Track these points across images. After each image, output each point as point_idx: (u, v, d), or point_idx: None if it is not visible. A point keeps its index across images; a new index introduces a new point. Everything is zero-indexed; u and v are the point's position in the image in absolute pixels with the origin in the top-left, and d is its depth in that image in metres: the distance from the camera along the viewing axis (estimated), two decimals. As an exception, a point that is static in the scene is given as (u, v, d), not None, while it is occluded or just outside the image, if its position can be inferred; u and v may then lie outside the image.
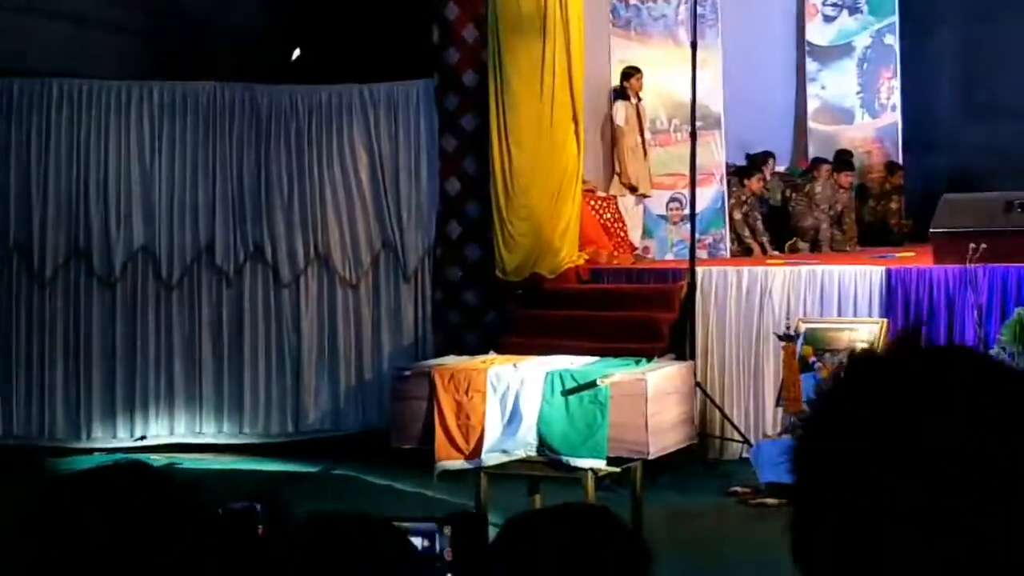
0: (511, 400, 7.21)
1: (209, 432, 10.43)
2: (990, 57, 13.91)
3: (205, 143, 10.50)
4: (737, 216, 11.82)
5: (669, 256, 11.16)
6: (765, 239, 11.87)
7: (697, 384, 8.36)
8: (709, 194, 11.62)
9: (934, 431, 1.07)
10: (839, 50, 13.54)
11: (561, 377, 7.20)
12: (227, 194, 10.54)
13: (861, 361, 1.16)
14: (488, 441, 7.16)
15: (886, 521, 1.07)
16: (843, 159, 12.68)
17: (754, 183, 12.02)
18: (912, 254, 10.15)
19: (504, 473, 7.24)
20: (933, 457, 1.06)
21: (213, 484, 8.08)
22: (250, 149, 10.56)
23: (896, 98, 13.35)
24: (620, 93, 11.40)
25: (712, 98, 11.59)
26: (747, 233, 11.84)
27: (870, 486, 1.07)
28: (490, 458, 7.14)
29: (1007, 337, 8.20)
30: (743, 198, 11.92)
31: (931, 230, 9.38)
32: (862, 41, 13.48)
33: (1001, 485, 1.05)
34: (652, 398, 6.90)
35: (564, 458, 6.99)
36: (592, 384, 6.95)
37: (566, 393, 7.03)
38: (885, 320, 8.68)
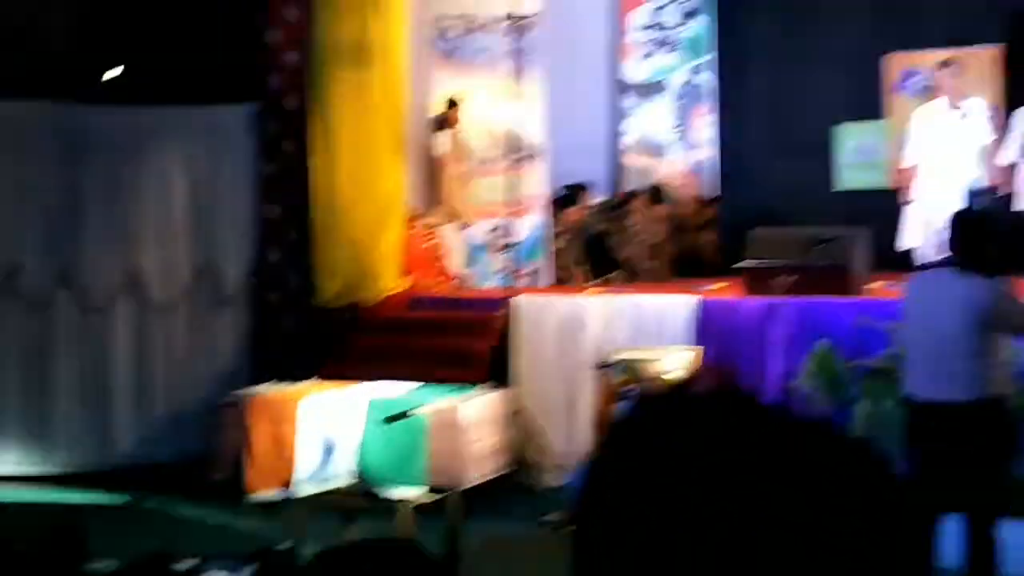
0: (327, 429, 7.12)
1: (11, 461, 10.01)
2: (797, 97, 14.31)
3: (11, 165, 10.13)
4: (558, 246, 11.91)
5: (490, 284, 11.15)
6: (584, 269, 11.97)
7: (515, 412, 8.39)
8: (531, 224, 11.68)
9: (693, 477, 1.15)
10: (655, 87, 13.79)
11: (381, 405, 7.14)
12: (34, 218, 10.17)
13: (643, 405, 1.27)
14: (302, 471, 7.05)
15: (647, 553, 1.17)
16: (658, 192, 12.90)
17: (573, 213, 12.14)
18: (725, 285, 10.32)
19: (320, 504, 7.11)
20: (690, 500, 1.14)
21: (11, 516, 7.80)
22: (60, 171, 10.20)
23: (710, 134, 13.64)
24: (442, 123, 11.40)
25: (535, 130, 11.67)
26: (567, 263, 11.94)
27: (633, 521, 1.17)
28: (304, 488, 7.02)
29: (810, 370, 8.39)
30: (563, 228, 12.02)
31: (741, 263, 9.57)
32: (678, 78, 13.76)
33: (751, 531, 1.14)
34: (468, 427, 6.89)
35: (380, 488, 6.92)
36: (410, 413, 6.90)
37: (385, 422, 6.97)
38: (698, 349, 8.79)
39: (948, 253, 5.93)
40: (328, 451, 7.01)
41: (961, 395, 5.49)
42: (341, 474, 7.09)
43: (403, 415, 6.87)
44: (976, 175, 10.27)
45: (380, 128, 9.88)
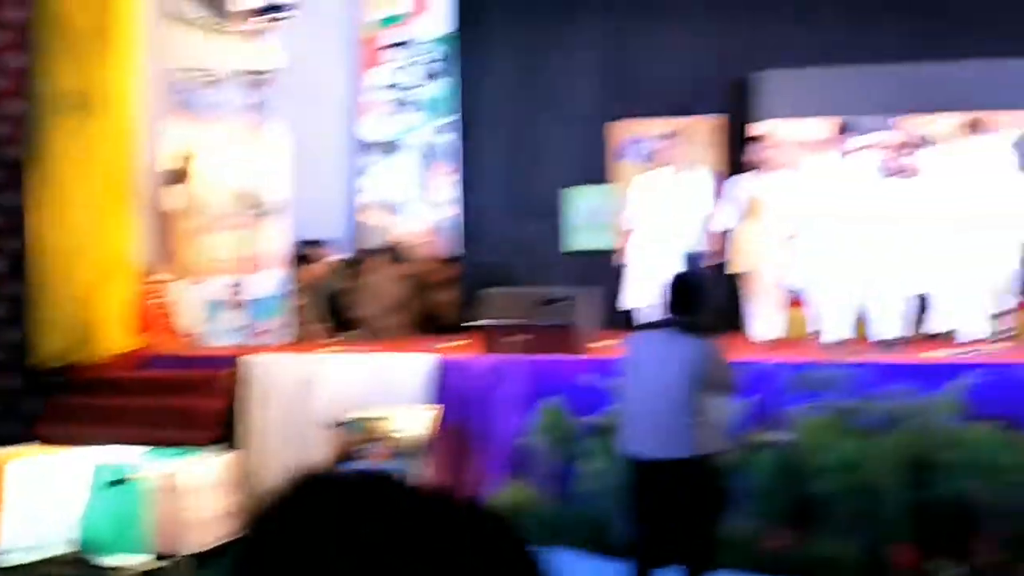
0: (40, 494, 6.85)
1: None
2: (533, 160, 14.64)
3: None
4: (299, 303, 11.87)
5: (227, 342, 10.96)
6: (326, 327, 11.95)
7: (245, 474, 8.25)
8: (269, 280, 11.58)
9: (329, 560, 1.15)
10: (395, 145, 13.89)
11: (105, 470, 6.93)
12: None
13: (296, 486, 1.28)
14: (7, 539, 6.75)
15: None
16: (396, 251, 12.98)
17: (313, 270, 12.11)
18: (463, 344, 10.42)
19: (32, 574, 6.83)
20: None
21: None
22: None
23: (451, 194, 13.79)
24: (176, 176, 11.19)
25: (274, 185, 11.61)
26: (309, 320, 11.90)
27: None
28: (10, 558, 6.73)
29: (540, 427, 8.53)
30: (304, 285, 11.97)
31: (475, 322, 9.70)
32: (419, 138, 13.88)
33: None
34: (191, 491, 6.74)
35: (102, 556, 6.71)
36: (128, 478, 6.71)
37: (105, 486, 6.76)
38: (435, 408, 8.86)
39: (667, 314, 6.11)
40: (42, 516, 6.74)
41: (677, 452, 5.66)
42: (61, 541, 6.83)
43: (125, 479, 6.66)
44: (695, 240, 10.71)
45: (106, 181, 9.58)
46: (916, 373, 8.27)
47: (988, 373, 8.10)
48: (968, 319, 10.06)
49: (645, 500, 5.77)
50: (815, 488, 7.60)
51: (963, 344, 9.81)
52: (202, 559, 7.34)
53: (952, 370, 8.25)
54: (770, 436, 7.94)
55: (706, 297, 6.19)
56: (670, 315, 5.97)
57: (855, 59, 13.33)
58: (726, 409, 7.44)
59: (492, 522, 1.25)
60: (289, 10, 9.83)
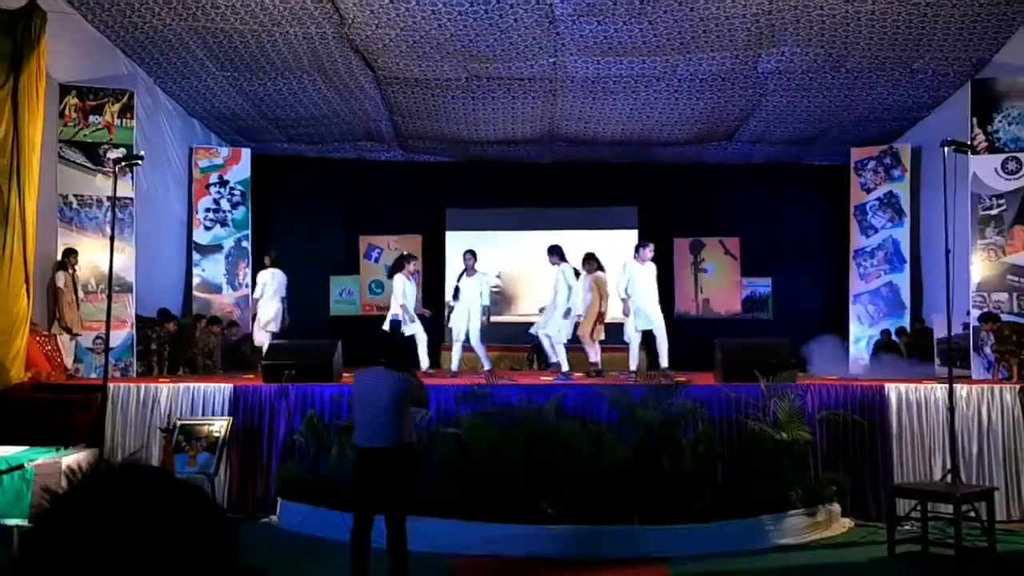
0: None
1: None
2: (306, 256, 14.65)
3: None
4: (149, 349, 11.52)
5: (93, 376, 10.48)
6: (165, 365, 11.62)
7: (107, 463, 7.92)
8: (123, 335, 11.16)
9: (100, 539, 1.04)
10: (215, 247, 13.63)
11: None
12: None
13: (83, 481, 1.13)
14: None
15: None
16: (214, 317, 12.73)
17: (169, 327, 11.81)
18: (254, 376, 10.32)
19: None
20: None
21: None
22: None
23: (248, 282, 13.61)
24: (62, 265, 10.69)
25: (128, 272, 11.23)
26: (153, 360, 11.56)
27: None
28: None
29: (304, 427, 8.52)
30: (154, 337, 11.64)
31: (263, 362, 9.62)
32: (228, 243, 13.66)
33: None
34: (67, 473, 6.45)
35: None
36: (20, 466, 6.37)
37: (2, 472, 6.38)
38: (231, 418, 8.72)
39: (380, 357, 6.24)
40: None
41: (388, 443, 5.80)
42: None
43: (17, 467, 6.32)
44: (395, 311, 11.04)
45: (14, 267, 9.10)
46: (533, 390, 8.71)
47: (573, 390, 8.60)
48: (561, 359, 10.77)
49: (368, 474, 5.83)
50: (475, 462, 7.76)
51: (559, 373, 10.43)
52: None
53: (553, 389, 8.73)
54: (449, 430, 8.13)
55: (397, 345, 6.34)
56: (383, 358, 6.09)
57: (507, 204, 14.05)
58: (421, 414, 7.68)
59: (195, 494, 1.15)
60: (141, 160, 9.58)
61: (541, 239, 16.10)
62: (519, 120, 13.66)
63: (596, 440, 7.65)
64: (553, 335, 10.86)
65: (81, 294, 10.88)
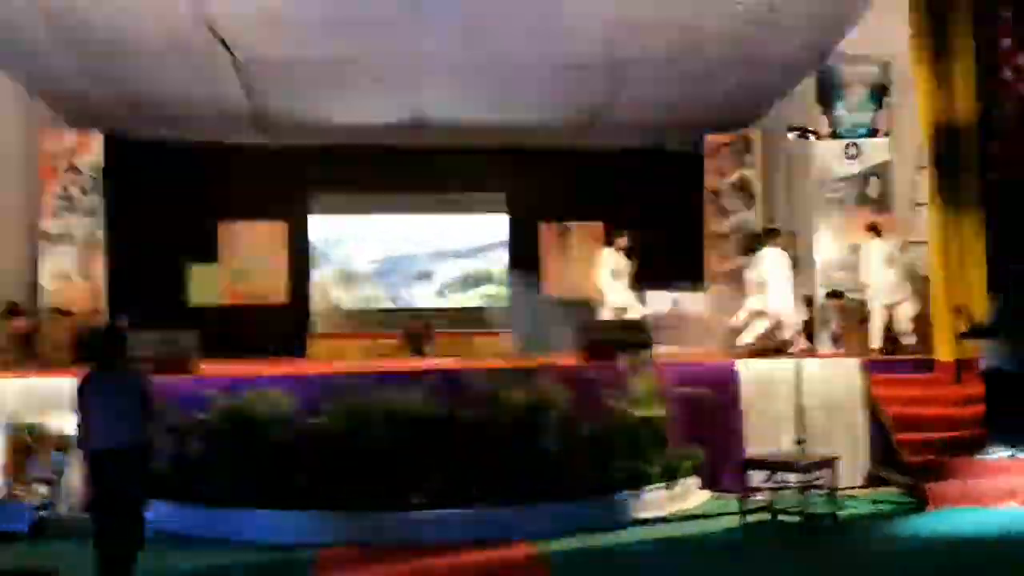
0: None
1: None
2: (163, 245, 14.10)
3: None
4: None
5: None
6: (14, 359, 10.97)
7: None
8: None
9: None
10: (65, 236, 12.87)
11: None
12: None
13: None
14: None
15: None
16: (63, 309, 12.09)
17: (17, 322, 11.19)
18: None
19: None
20: None
21: None
22: None
23: (102, 271, 12.96)
24: None
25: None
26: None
27: None
28: None
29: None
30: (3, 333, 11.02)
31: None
32: (80, 232, 12.91)
33: None
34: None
35: None
36: None
37: None
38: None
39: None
40: None
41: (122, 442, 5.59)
42: None
43: None
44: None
45: None
46: (403, 378, 8.59)
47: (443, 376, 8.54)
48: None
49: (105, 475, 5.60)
50: (338, 451, 7.59)
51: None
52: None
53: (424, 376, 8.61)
54: (312, 420, 7.90)
55: (121, 347, 6.00)
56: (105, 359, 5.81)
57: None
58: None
59: None
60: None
61: (410, 224, 16.04)
62: (382, 105, 13.47)
63: (460, 424, 7.65)
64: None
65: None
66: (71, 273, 12.82)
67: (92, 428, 5.59)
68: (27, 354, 11.21)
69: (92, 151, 12.92)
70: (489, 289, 16.22)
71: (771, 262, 10.45)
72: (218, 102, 13.12)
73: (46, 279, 12.68)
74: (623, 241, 11.61)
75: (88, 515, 5.56)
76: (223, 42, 11.20)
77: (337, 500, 7.18)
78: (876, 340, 10.14)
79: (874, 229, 10.49)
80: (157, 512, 7.53)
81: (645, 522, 7.49)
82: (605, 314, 11.20)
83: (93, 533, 5.52)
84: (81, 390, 5.71)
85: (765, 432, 8.70)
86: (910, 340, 10.02)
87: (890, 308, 10.18)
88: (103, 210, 12.93)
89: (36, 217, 12.77)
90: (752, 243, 11.30)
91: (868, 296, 10.42)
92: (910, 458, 8.26)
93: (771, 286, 10.33)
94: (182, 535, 7.18)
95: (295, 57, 11.68)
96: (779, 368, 8.79)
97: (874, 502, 8.10)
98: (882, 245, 10.33)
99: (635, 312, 11.16)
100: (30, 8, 10.25)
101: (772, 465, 7.52)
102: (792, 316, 10.46)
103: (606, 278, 11.39)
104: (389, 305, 15.80)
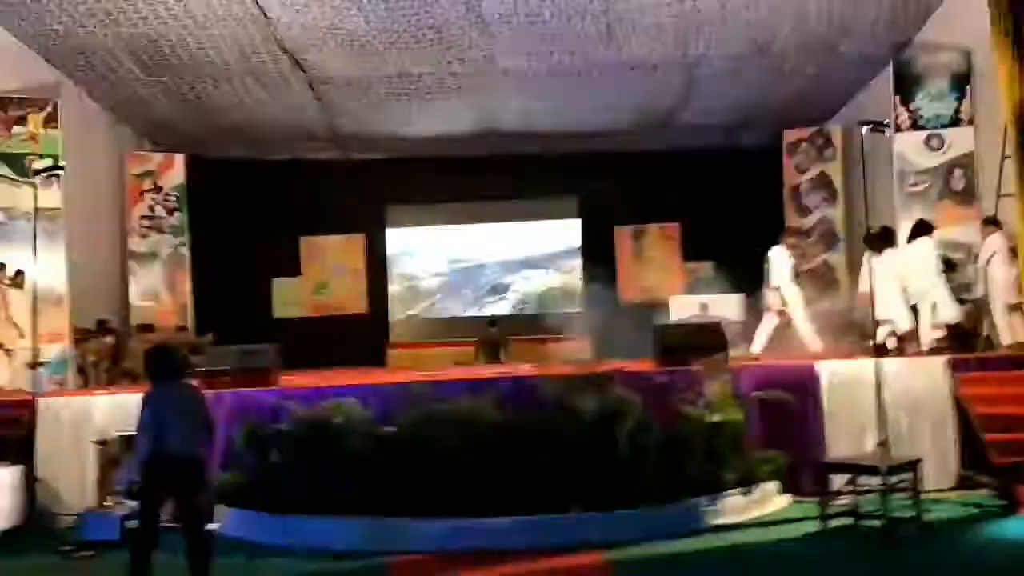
0: None
1: None
2: (246, 262, 14.50)
3: None
4: (87, 360, 11.36)
5: (29, 390, 10.20)
6: (106, 375, 11.50)
7: (36, 479, 7.78)
8: (59, 348, 10.96)
9: None
10: (151, 255, 13.41)
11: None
12: None
13: None
14: None
15: None
16: (152, 325, 12.57)
17: (108, 339, 11.68)
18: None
19: None
20: None
21: None
22: None
23: (188, 288, 13.45)
24: (-8, 282, 10.49)
25: (60, 283, 11.01)
26: (91, 371, 11.42)
27: None
28: None
29: (242, 434, 8.32)
30: (93, 349, 11.49)
31: (200, 369, 9.44)
32: (165, 250, 13.47)
33: None
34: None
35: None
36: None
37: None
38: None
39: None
40: None
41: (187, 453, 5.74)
42: None
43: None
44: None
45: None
46: (473, 386, 8.65)
47: (512, 384, 8.53)
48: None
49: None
50: (411, 459, 7.64)
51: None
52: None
53: (492, 383, 8.66)
54: (387, 428, 8.01)
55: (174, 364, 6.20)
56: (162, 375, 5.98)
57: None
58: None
59: None
60: (62, 169, 9.40)
61: (483, 233, 16.17)
62: (454, 115, 13.62)
63: (532, 431, 7.65)
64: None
65: (13, 310, 10.61)
66: (159, 290, 13.33)
67: (157, 438, 5.78)
68: (116, 370, 11.67)
69: (176, 172, 13.42)
70: (563, 295, 16.22)
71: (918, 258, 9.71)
72: (295, 120, 13.46)
73: (135, 297, 13.21)
74: (792, 239, 11.06)
75: (173, 524, 5.74)
76: (296, 60, 11.49)
77: (411, 508, 7.26)
78: (1006, 338, 9.43)
79: (994, 223, 9.65)
80: (235, 520, 7.83)
81: (721, 528, 7.37)
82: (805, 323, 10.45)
83: (136, 539, 5.71)
84: (146, 402, 5.92)
85: (848, 434, 8.47)
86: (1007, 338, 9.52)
87: (1013, 307, 9.35)
88: (187, 229, 13.41)
89: (124, 237, 13.32)
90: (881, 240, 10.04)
91: (989, 295, 9.58)
92: (999, 459, 7.94)
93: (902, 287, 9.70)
94: (260, 543, 7.35)
95: (367, 72, 11.91)
96: (862, 368, 8.55)
97: (962, 505, 7.80)
98: (999, 240, 9.52)
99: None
100: (114, 37, 10.70)
101: (853, 468, 7.32)
102: (905, 317, 9.86)
103: (788, 278, 10.75)
104: (465, 313, 15.96)
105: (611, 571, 6.43)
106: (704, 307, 11.65)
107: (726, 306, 11.47)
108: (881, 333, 9.66)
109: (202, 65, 11.53)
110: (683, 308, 11.41)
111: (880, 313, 9.36)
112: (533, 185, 15.38)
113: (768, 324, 10.25)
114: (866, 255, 9.54)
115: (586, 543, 6.92)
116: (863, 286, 9.52)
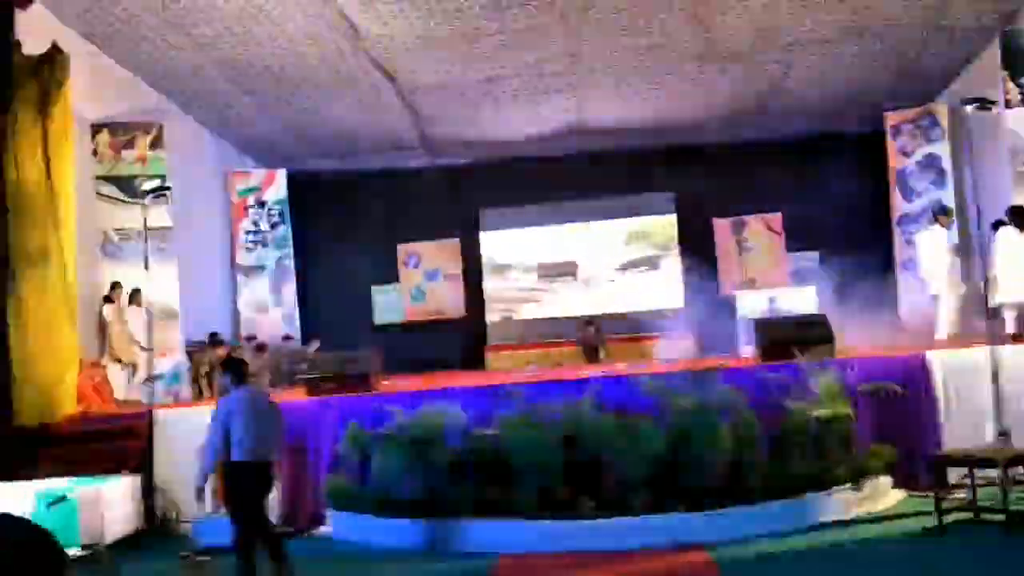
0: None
1: None
2: (349, 271, 14.80)
3: None
4: (200, 372, 11.72)
5: (144, 402, 10.64)
6: (219, 387, 11.83)
7: (155, 488, 8.12)
8: (173, 360, 11.39)
9: None
10: (258, 268, 13.84)
11: (44, 495, 6.68)
12: None
13: None
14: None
15: None
16: (261, 342, 12.94)
17: (220, 351, 12.01)
18: (297, 391, 10.38)
19: None
20: None
21: None
22: None
23: (293, 298, 13.82)
24: (108, 298, 10.98)
25: (173, 299, 11.45)
26: (205, 383, 11.77)
27: None
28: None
29: (347, 439, 8.50)
30: (206, 360, 11.84)
31: (303, 376, 9.66)
32: (270, 263, 13.88)
33: None
34: (110, 501, 6.57)
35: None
36: (63, 498, 6.53)
37: (49, 505, 6.55)
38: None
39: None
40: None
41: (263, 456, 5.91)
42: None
43: (62, 499, 6.48)
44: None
45: (58, 305, 9.31)
46: (569, 385, 8.64)
47: (610, 382, 8.49)
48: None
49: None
50: (512, 461, 7.69)
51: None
52: (114, 546, 7.18)
53: (589, 383, 8.61)
54: (486, 430, 8.06)
55: (239, 373, 6.31)
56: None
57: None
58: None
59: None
60: (169, 189, 9.80)
61: (578, 232, 16.11)
62: (543, 115, 13.61)
63: (632, 431, 7.56)
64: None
65: (127, 325, 11.12)
66: (266, 301, 13.76)
67: (234, 443, 5.94)
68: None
69: (277, 187, 13.83)
70: (662, 291, 16.02)
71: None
72: (387, 129, 13.70)
73: (244, 308, 13.66)
74: (943, 218, 10.56)
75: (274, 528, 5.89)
76: (386, 72, 11.69)
77: (514, 509, 7.28)
78: None
79: None
80: (339, 523, 7.99)
81: (831, 525, 7.14)
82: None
83: (234, 543, 5.87)
84: (222, 407, 6.09)
85: (965, 425, 8.11)
86: None
87: None
88: (291, 241, 13.79)
89: (232, 252, 13.79)
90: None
91: None
92: None
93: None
94: (363, 545, 7.49)
95: (455, 78, 12.01)
96: (977, 357, 8.18)
97: (1093, 498, 7.35)
98: None
99: None
100: (212, 61, 11.08)
101: (971, 460, 6.99)
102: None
103: (944, 259, 10.27)
104: (562, 314, 15.93)
105: (717, 571, 6.31)
106: (772, 302, 11.29)
107: (797, 299, 11.17)
108: (1009, 318, 9.22)
109: (296, 82, 11.84)
110: (750, 303, 11.10)
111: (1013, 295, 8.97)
112: (626, 181, 15.26)
113: (945, 306, 9.82)
114: (1001, 231, 9.10)
115: (689, 542, 6.81)
116: (994, 268, 9.11)
